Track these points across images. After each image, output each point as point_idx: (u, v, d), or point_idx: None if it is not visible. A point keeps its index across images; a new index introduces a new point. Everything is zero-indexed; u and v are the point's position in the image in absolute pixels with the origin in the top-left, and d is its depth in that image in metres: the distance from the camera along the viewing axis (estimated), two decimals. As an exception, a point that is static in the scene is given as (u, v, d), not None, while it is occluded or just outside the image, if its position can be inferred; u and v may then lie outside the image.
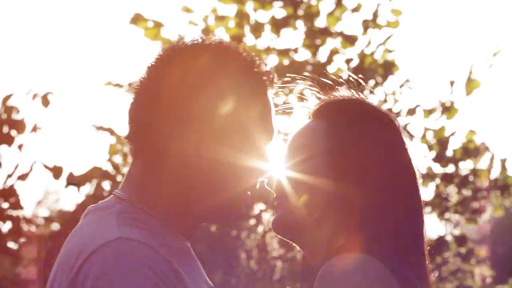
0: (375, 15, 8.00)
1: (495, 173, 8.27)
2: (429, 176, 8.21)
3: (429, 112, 8.12)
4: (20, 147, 7.32)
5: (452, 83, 8.14)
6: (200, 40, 1.74)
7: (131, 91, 1.75)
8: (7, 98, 7.40)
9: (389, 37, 7.99)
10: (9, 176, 7.39)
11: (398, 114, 7.96)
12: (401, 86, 8.07)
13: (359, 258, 1.66)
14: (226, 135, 1.68)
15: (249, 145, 1.70)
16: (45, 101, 7.38)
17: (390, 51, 8.03)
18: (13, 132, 7.36)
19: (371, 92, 8.01)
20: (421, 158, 8.22)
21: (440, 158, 8.18)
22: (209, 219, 1.76)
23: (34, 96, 7.35)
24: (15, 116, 7.38)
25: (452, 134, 8.13)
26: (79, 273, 1.55)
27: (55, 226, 8.43)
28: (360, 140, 1.77)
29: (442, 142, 8.14)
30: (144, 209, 1.68)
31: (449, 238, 8.48)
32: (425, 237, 1.79)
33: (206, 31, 7.99)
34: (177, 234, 1.69)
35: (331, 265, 1.66)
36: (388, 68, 7.94)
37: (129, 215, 1.65)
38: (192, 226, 1.74)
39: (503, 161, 8.29)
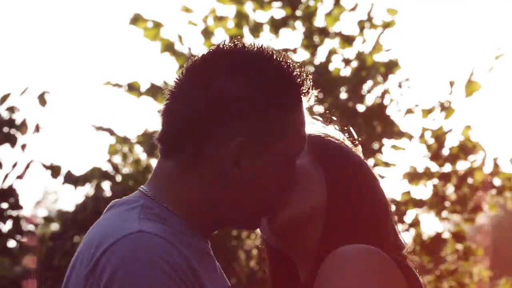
0: (370, 15, 8.00)
1: (487, 170, 8.29)
2: (427, 175, 8.22)
3: (427, 112, 8.14)
4: (23, 147, 7.33)
5: (452, 83, 8.15)
6: (240, 45, 1.74)
7: (167, 93, 1.75)
8: (5, 97, 7.41)
9: (380, 35, 8.00)
10: (7, 175, 7.40)
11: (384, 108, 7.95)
12: (400, 86, 8.08)
13: (362, 248, 1.69)
14: (266, 149, 1.71)
15: (285, 159, 1.74)
16: (42, 100, 7.39)
17: (386, 51, 8.03)
18: (13, 131, 7.37)
19: (369, 91, 8.02)
20: (419, 157, 8.24)
21: (437, 157, 8.19)
22: (232, 226, 1.80)
23: (24, 91, 7.35)
24: (14, 116, 7.38)
25: (449, 131, 8.15)
26: (97, 264, 1.58)
27: (55, 226, 8.44)
28: (340, 151, 1.87)
29: (439, 141, 8.15)
30: (168, 208, 1.70)
31: (446, 235, 8.49)
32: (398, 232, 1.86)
33: (206, 31, 8.00)
34: (199, 235, 1.72)
35: (335, 255, 1.69)
36: (390, 67, 7.95)
37: (152, 211, 1.68)
38: (213, 229, 1.77)
39: (495, 160, 8.30)
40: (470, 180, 8.23)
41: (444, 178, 8.23)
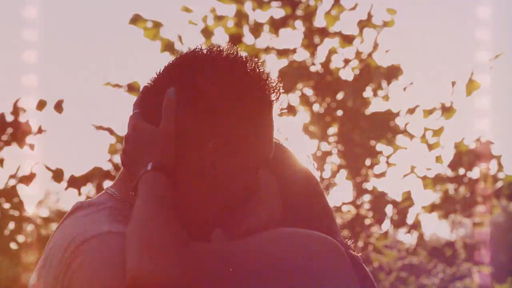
0: (370, 14, 8.01)
1: (493, 172, 8.26)
2: (440, 179, 8.20)
3: (428, 112, 8.14)
4: (31, 147, 7.35)
5: (453, 84, 8.15)
6: (218, 50, 1.75)
7: (142, 89, 1.77)
8: (16, 103, 7.43)
9: (379, 35, 8.01)
10: (12, 176, 7.41)
11: (398, 113, 7.98)
12: (404, 90, 8.11)
13: (304, 231, 1.72)
14: (239, 153, 1.72)
15: (253, 165, 1.76)
16: (59, 109, 7.45)
17: (386, 51, 8.04)
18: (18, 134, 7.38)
19: (375, 95, 8.02)
20: (419, 158, 8.24)
21: (456, 165, 8.16)
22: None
23: (40, 104, 7.39)
24: (21, 118, 7.40)
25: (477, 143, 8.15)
26: (65, 265, 1.59)
27: (55, 227, 8.44)
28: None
29: (457, 149, 8.15)
30: None
31: (459, 243, 8.44)
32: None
33: (206, 31, 8.01)
34: None
35: (275, 234, 1.70)
36: (393, 73, 7.96)
37: (121, 212, 1.68)
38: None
39: (498, 158, 8.28)
40: (481, 185, 8.21)
41: (456, 181, 8.21)
